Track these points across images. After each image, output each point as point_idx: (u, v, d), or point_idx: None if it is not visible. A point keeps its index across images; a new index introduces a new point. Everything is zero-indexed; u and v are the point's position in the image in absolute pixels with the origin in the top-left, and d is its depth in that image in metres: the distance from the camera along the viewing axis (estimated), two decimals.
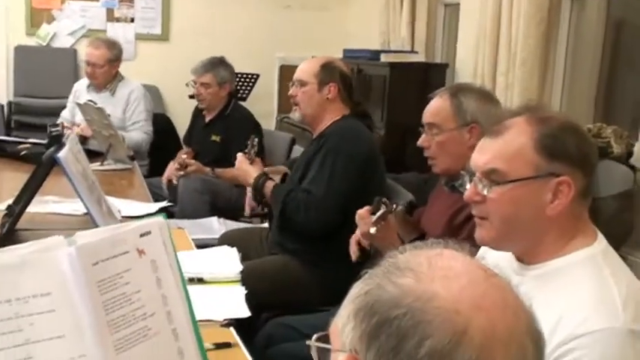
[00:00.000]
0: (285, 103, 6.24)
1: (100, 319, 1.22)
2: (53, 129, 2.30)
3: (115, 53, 4.38)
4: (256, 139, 2.97)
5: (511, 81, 3.96)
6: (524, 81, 3.88)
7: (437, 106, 2.29)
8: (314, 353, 0.85)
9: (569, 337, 1.23)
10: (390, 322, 0.73)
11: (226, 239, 2.93)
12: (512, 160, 1.38)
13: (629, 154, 3.25)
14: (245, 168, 2.89)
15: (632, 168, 3.13)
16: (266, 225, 3.55)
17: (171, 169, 4.04)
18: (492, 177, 1.40)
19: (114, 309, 1.26)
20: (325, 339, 0.84)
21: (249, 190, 3.04)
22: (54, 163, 2.21)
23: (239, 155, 2.95)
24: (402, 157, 4.40)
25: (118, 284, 1.28)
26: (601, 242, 1.39)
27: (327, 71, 2.84)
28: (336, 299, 2.68)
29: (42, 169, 2.24)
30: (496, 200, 1.40)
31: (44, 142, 3.86)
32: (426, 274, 0.75)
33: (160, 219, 1.43)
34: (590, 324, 1.23)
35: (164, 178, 4.08)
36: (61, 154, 2.17)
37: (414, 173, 4.11)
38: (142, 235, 1.36)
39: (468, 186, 1.47)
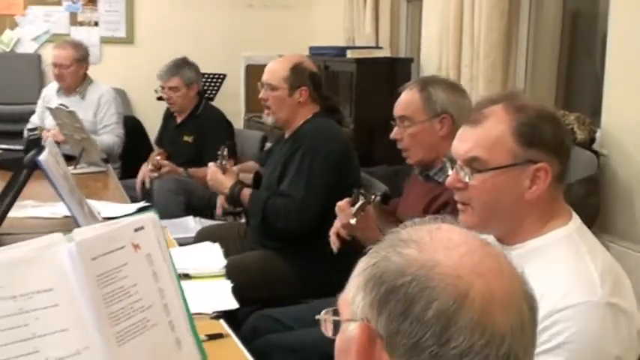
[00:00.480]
0: (253, 103, 6.28)
1: (101, 312, 1.27)
2: (31, 133, 2.32)
3: (81, 53, 4.39)
4: (226, 149, 2.96)
5: (475, 73, 4.05)
6: (487, 73, 3.97)
7: (407, 99, 2.36)
8: (323, 326, 0.91)
9: (551, 312, 1.30)
10: (397, 289, 0.79)
11: (203, 236, 2.96)
12: (492, 149, 1.45)
13: (592, 140, 3.36)
14: (219, 179, 2.91)
15: (596, 153, 3.23)
16: (242, 221, 3.60)
17: (145, 170, 4.06)
18: (473, 165, 1.46)
19: (113, 302, 1.30)
20: (333, 313, 0.89)
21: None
22: (35, 166, 2.24)
23: (211, 165, 2.96)
24: (371, 151, 4.47)
25: (117, 278, 1.32)
26: (576, 221, 1.47)
27: (297, 75, 2.85)
28: (316, 291, 2.76)
29: (24, 172, 2.26)
30: (477, 187, 1.46)
31: (14, 147, 3.89)
32: (428, 244, 0.82)
33: (152, 215, 1.48)
34: (570, 298, 1.30)
35: (138, 181, 4.10)
36: (42, 157, 2.20)
37: (384, 166, 4.20)
38: (136, 230, 1.41)
39: (449, 172, 1.53)
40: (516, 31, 4.08)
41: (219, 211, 3.22)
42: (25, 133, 4.51)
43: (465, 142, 1.49)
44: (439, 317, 0.77)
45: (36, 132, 2.39)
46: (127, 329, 1.32)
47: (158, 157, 4.02)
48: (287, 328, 2.34)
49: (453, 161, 1.53)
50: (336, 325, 0.88)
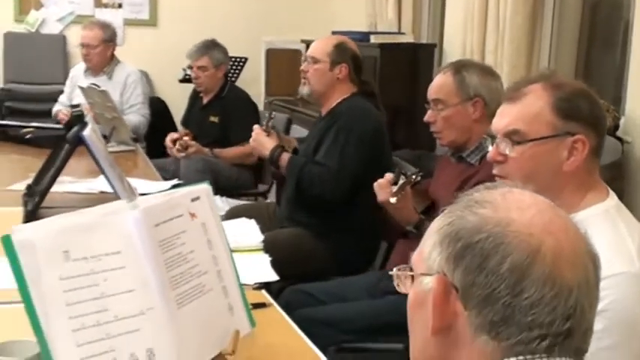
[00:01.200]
0: (273, 87, 6.34)
1: (163, 275, 1.34)
2: (75, 109, 2.39)
3: (108, 34, 4.45)
4: (274, 113, 3.07)
5: (499, 59, 4.08)
6: (512, 58, 4.01)
7: (441, 83, 2.41)
8: (397, 281, 0.97)
9: None
10: (473, 245, 0.86)
11: (233, 215, 3.02)
12: (531, 122, 1.51)
13: (616, 126, 3.41)
14: (261, 140, 2.98)
15: (620, 140, 3.28)
16: (269, 200, 3.67)
17: (170, 144, 4.11)
18: (514, 137, 1.52)
19: (173, 267, 1.37)
20: (405, 270, 0.96)
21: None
22: (78, 141, 2.30)
23: (255, 127, 3.04)
24: (394, 135, 4.51)
25: (176, 244, 1.39)
26: (613, 198, 1.53)
27: (340, 51, 2.95)
28: (346, 268, 2.83)
29: (66, 147, 2.32)
30: (517, 159, 1.52)
31: (46, 126, 3.96)
32: (501, 205, 0.89)
33: (206, 186, 1.55)
34: (610, 268, 1.36)
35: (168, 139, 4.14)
36: (86, 132, 2.26)
37: (407, 150, 4.25)
38: (192, 200, 1.48)
39: (489, 148, 1.59)
40: (541, 16, 4.11)
41: None
42: (53, 111, 4.60)
43: (505, 117, 1.56)
44: (513, 270, 0.83)
45: (79, 108, 2.44)
46: (185, 293, 1.38)
47: (186, 138, 4.08)
48: (320, 303, 2.41)
49: (493, 138, 1.59)
50: (405, 282, 0.94)
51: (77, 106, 2.55)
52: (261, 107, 6.27)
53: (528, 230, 0.85)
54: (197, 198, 1.49)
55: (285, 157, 2.90)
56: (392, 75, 4.68)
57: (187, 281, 1.40)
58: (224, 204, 3.65)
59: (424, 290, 0.90)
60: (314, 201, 2.80)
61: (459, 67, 2.42)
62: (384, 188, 2.20)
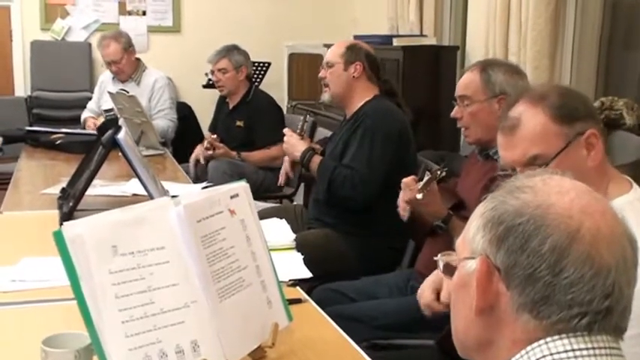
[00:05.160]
0: (296, 91, 6.39)
1: (205, 269, 1.39)
2: (108, 113, 2.45)
3: (124, 42, 4.51)
4: (308, 116, 3.12)
5: (523, 61, 4.10)
6: (535, 60, 4.03)
7: (468, 80, 2.45)
8: (440, 267, 1.01)
9: None
10: (515, 227, 0.90)
11: (262, 217, 3.06)
12: (543, 141, 1.55)
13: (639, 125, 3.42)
14: (293, 142, 3.03)
15: None
16: (295, 203, 3.71)
17: (199, 150, 4.18)
18: (536, 163, 1.55)
19: (215, 262, 1.42)
20: (449, 256, 1.00)
21: (285, 159, 3.17)
22: (113, 144, 2.36)
23: (287, 130, 3.09)
24: (417, 137, 4.54)
25: (217, 240, 1.44)
26: (637, 190, 1.56)
27: (353, 51, 3.02)
28: (374, 268, 2.86)
29: (100, 150, 2.38)
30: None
31: (76, 132, 4.04)
32: (542, 189, 0.93)
33: (244, 183, 1.59)
34: None
35: (192, 159, 4.22)
36: (121, 136, 2.32)
37: (430, 151, 4.27)
38: (232, 197, 1.53)
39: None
40: (563, 17, 4.13)
41: (282, 179, 3.30)
42: (82, 118, 4.68)
43: (514, 148, 1.58)
44: (553, 251, 0.87)
45: (113, 112, 2.50)
46: (226, 287, 1.43)
47: (214, 136, 4.14)
48: (350, 300, 2.44)
49: (512, 170, 1.57)
50: (453, 268, 0.98)
51: (110, 110, 2.61)
52: (284, 111, 6.33)
53: (568, 213, 0.89)
54: (236, 195, 1.54)
55: (317, 159, 2.94)
56: (415, 77, 4.70)
57: (228, 275, 1.45)
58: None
59: (468, 273, 0.94)
60: (344, 203, 2.83)
61: (486, 65, 2.46)
62: (409, 186, 2.23)
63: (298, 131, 3.05)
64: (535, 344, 0.88)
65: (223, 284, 1.43)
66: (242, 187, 1.57)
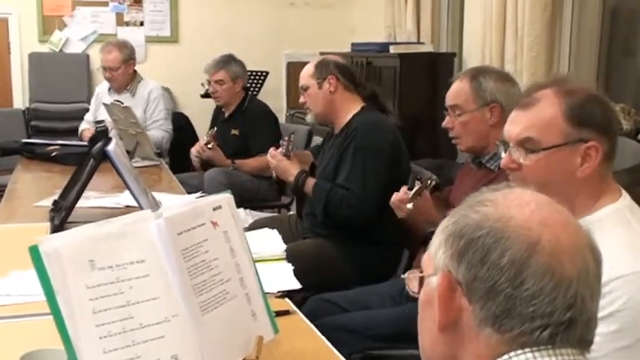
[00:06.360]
0: (294, 99, 6.38)
1: (186, 282, 1.36)
2: (99, 125, 2.43)
3: (127, 53, 4.51)
4: (293, 135, 3.09)
5: (519, 67, 4.09)
6: (531, 67, 4.02)
7: (458, 89, 2.43)
8: (408, 284, 0.99)
9: (604, 282, 1.36)
10: (475, 240, 0.89)
11: (257, 227, 3.05)
12: (544, 129, 1.52)
13: (637, 130, 3.40)
14: (284, 166, 3.01)
15: None
16: (291, 212, 3.69)
17: (199, 145, 4.17)
18: (527, 145, 1.53)
19: (197, 274, 1.40)
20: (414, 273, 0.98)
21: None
22: (103, 156, 2.35)
23: (271, 151, 3.06)
24: (415, 145, 4.54)
25: (199, 252, 1.42)
26: (625, 198, 1.54)
27: (321, 68, 2.98)
28: (368, 277, 2.83)
29: (91, 162, 2.37)
30: (531, 167, 1.53)
31: (72, 143, 4.03)
32: (502, 202, 0.92)
33: (228, 195, 1.57)
34: (622, 268, 1.36)
35: (193, 150, 4.21)
36: (111, 147, 2.31)
37: (428, 159, 4.26)
38: (214, 209, 1.51)
39: (503, 155, 1.60)
40: (559, 23, 4.12)
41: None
42: (79, 129, 4.67)
43: (518, 124, 1.57)
44: (513, 263, 0.86)
45: (103, 124, 2.49)
46: (209, 300, 1.41)
47: (214, 129, 4.17)
48: (343, 311, 2.42)
49: (505, 144, 1.60)
50: (420, 283, 0.97)
51: (101, 122, 2.60)
52: (282, 119, 6.32)
53: (527, 224, 0.88)
54: (219, 207, 1.52)
55: (311, 182, 2.91)
56: (412, 85, 4.70)
57: (211, 288, 1.43)
58: (248, 216, 3.68)
59: (432, 289, 0.93)
60: (342, 224, 2.81)
61: (476, 74, 2.43)
62: (398, 207, 2.21)
63: (284, 151, 3.01)
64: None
65: (206, 297, 1.40)
66: (225, 198, 1.55)
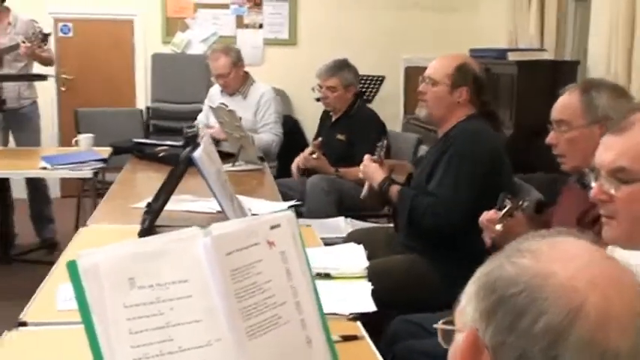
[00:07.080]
0: (412, 105, 6.25)
1: (232, 306, 1.29)
2: (189, 130, 2.42)
3: (234, 56, 4.50)
4: (385, 142, 2.98)
5: None
6: None
7: (566, 102, 2.24)
8: (440, 336, 0.87)
9: None
10: (507, 299, 0.75)
11: (353, 238, 2.96)
12: (638, 158, 1.35)
13: None
14: (370, 171, 2.92)
15: None
16: (392, 225, 3.57)
17: (303, 155, 4.15)
18: (619, 175, 1.38)
19: (246, 297, 1.32)
20: (451, 323, 0.86)
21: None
22: (190, 162, 2.33)
23: (367, 157, 2.97)
24: (530, 157, 4.31)
25: (251, 274, 1.34)
26: None
27: (461, 74, 2.78)
28: (459, 297, 2.66)
29: (178, 168, 2.36)
30: (624, 199, 1.38)
31: (177, 144, 4.08)
32: (545, 254, 0.77)
33: (289, 213, 1.49)
34: None
35: (293, 165, 4.19)
36: (196, 154, 2.28)
37: (541, 173, 4.03)
38: (272, 228, 1.42)
39: (593, 184, 1.44)
40: None
41: (365, 190, 3.18)
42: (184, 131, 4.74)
43: (609, 151, 1.42)
44: (547, 331, 0.72)
45: (193, 128, 2.48)
46: (258, 324, 1.33)
47: (319, 139, 4.13)
48: (428, 334, 2.29)
49: (596, 171, 1.44)
50: (449, 336, 0.85)
51: (192, 127, 2.59)
52: (399, 126, 6.21)
53: (570, 283, 0.73)
54: (277, 225, 1.43)
55: (395, 189, 2.81)
56: (530, 94, 4.48)
57: (261, 312, 1.35)
58: (348, 225, 3.60)
59: (458, 346, 0.81)
60: (428, 235, 2.68)
61: (588, 87, 2.24)
62: (487, 227, 2.06)
63: (376, 157, 2.91)
64: None
65: (255, 321, 1.33)
66: (285, 216, 1.47)
